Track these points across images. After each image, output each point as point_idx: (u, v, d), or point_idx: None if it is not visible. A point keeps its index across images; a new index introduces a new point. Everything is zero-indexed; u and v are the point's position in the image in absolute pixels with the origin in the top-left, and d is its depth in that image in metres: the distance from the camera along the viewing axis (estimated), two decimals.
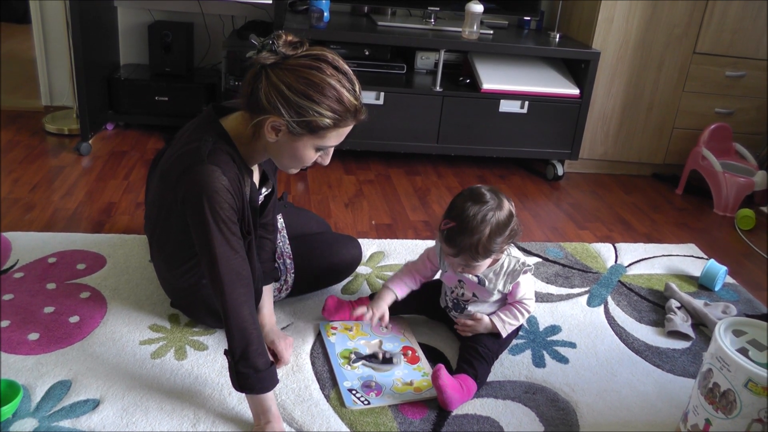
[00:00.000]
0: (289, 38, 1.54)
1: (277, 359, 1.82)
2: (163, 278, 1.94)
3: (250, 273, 1.63)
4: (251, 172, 1.72)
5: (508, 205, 1.79)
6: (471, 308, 1.93)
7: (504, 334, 1.91)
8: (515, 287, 1.90)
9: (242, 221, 1.66)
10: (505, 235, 1.78)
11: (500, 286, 1.89)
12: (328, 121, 1.53)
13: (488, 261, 1.84)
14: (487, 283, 1.88)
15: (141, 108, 3.40)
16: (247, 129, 1.60)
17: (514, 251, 1.93)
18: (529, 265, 1.89)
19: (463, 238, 1.74)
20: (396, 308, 2.09)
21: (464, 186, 3.23)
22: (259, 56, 1.52)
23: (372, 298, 2.09)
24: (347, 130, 1.61)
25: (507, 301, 1.94)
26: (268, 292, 1.93)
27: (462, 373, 1.79)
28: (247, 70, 1.59)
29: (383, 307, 1.94)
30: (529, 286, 1.92)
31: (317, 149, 1.62)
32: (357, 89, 1.56)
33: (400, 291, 1.98)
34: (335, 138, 1.60)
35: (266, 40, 1.53)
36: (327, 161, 1.69)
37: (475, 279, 1.88)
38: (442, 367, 1.73)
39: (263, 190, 1.87)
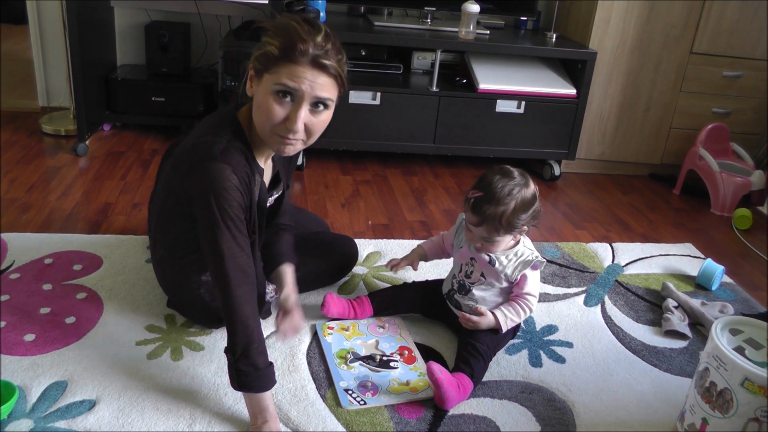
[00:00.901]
0: None
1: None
2: (162, 272, 1.94)
3: (254, 271, 1.64)
4: (262, 171, 1.72)
5: (533, 187, 1.87)
6: (476, 292, 1.94)
7: (504, 329, 1.91)
8: (523, 279, 1.91)
9: (248, 221, 1.67)
10: (529, 213, 1.83)
11: (509, 271, 1.90)
12: (275, 49, 1.52)
13: (507, 240, 1.88)
14: (497, 264, 1.89)
15: (138, 108, 3.40)
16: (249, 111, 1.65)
17: (530, 244, 1.96)
18: (541, 259, 1.91)
19: (489, 207, 1.80)
20: (393, 307, 2.09)
21: (461, 186, 3.25)
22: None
23: (371, 296, 2.10)
24: (301, 70, 1.52)
25: (512, 294, 1.94)
26: (291, 270, 1.96)
27: (459, 372, 1.79)
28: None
29: (411, 257, 2.13)
30: (535, 282, 1.94)
31: (276, 93, 1.53)
32: (316, 35, 1.53)
33: (429, 251, 2.13)
34: (287, 75, 1.52)
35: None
36: (294, 125, 1.55)
37: (487, 258, 1.90)
38: (433, 362, 1.73)
39: (274, 192, 1.88)
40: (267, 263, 1.95)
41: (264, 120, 1.57)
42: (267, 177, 1.82)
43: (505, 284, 1.93)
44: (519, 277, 1.91)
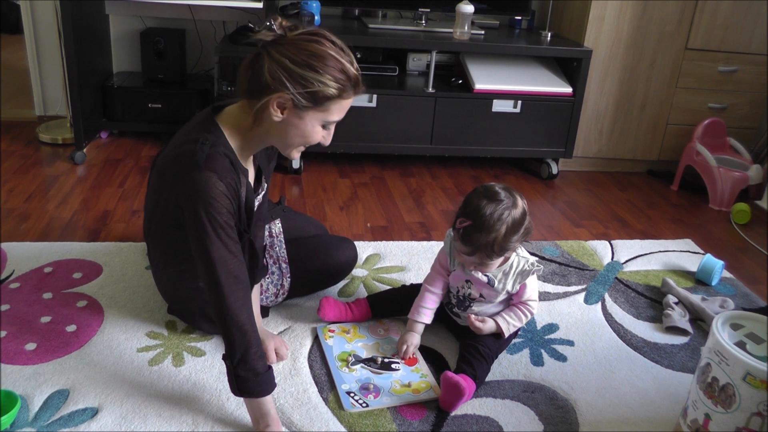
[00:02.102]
0: (285, 22, 1.57)
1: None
2: (160, 280, 1.94)
3: (247, 277, 1.64)
4: (247, 172, 1.72)
5: (521, 204, 1.80)
6: (475, 308, 1.94)
7: (507, 334, 1.91)
8: (522, 288, 1.90)
9: (238, 223, 1.66)
10: (520, 233, 1.79)
11: (509, 287, 1.89)
12: (332, 90, 1.54)
13: (501, 259, 1.85)
14: (496, 283, 1.88)
15: (135, 115, 3.40)
16: (247, 117, 1.61)
17: (522, 251, 1.94)
18: (538, 266, 1.89)
19: (480, 236, 1.75)
20: (393, 309, 2.09)
21: (459, 187, 3.25)
22: (259, 34, 1.54)
23: (369, 299, 2.10)
24: (349, 103, 1.62)
25: (512, 302, 1.94)
26: (255, 292, 1.92)
27: (461, 374, 1.79)
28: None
29: (416, 338, 1.95)
30: (534, 287, 1.93)
31: (322, 125, 1.62)
32: (355, 61, 1.60)
33: (428, 317, 1.97)
34: (338, 111, 1.61)
35: (264, 22, 1.56)
36: (329, 141, 1.68)
37: (485, 279, 1.88)
38: (447, 372, 1.74)
39: (260, 191, 1.87)
40: None
41: (300, 141, 1.64)
42: (251, 177, 1.81)
43: (503, 297, 1.93)
44: (519, 287, 1.91)
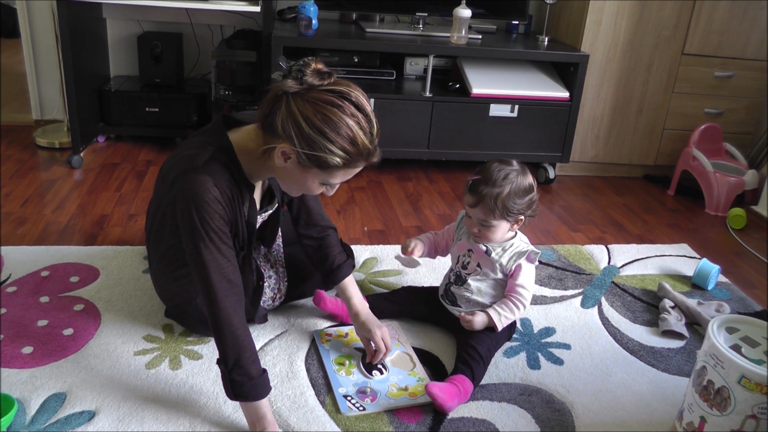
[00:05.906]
0: (318, 66, 1.53)
1: (373, 351, 1.89)
2: (158, 283, 1.94)
3: (241, 282, 1.63)
4: (252, 188, 1.72)
5: (531, 179, 1.91)
6: (471, 282, 1.96)
7: (500, 327, 1.92)
8: (517, 269, 1.93)
9: (235, 235, 1.66)
10: (524, 200, 1.87)
11: (504, 261, 1.93)
12: (338, 160, 1.52)
13: (503, 228, 1.91)
14: (493, 253, 1.92)
15: (132, 119, 3.40)
16: (258, 146, 1.60)
17: (526, 239, 1.99)
18: (537, 251, 1.94)
19: (485, 188, 1.85)
20: (389, 309, 2.10)
21: (456, 191, 3.26)
22: (284, 82, 1.51)
23: (367, 299, 2.10)
24: (356, 170, 1.60)
25: (506, 290, 1.96)
26: (352, 281, 1.99)
27: (459, 374, 1.80)
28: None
29: (419, 244, 2.06)
30: (530, 275, 1.95)
31: (323, 184, 1.62)
32: (374, 132, 1.56)
33: (425, 244, 2.08)
34: (342, 176, 1.59)
35: (295, 65, 1.52)
36: (331, 194, 1.68)
37: (484, 248, 1.93)
38: (432, 384, 1.75)
39: (268, 208, 1.87)
40: (319, 268, 2.00)
41: (299, 191, 1.68)
42: (257, 194, 1.80)
43: (500, 275, 1.95)
44: (513, 268, 1.93)
